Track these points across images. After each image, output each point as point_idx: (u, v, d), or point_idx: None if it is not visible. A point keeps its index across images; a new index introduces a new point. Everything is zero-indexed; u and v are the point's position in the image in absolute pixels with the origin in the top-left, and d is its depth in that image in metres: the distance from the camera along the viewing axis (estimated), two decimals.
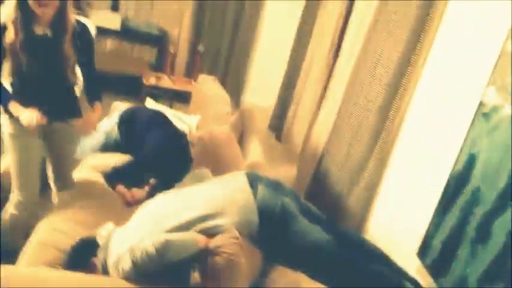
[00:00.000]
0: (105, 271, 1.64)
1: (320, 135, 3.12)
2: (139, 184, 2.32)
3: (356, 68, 2.63)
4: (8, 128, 2.01)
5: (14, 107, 1.92)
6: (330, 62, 3.48)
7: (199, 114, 2.99)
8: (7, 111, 1.96)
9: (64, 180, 2.30)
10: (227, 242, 1.53)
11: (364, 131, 2.35)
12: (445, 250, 1.60)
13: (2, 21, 1.85)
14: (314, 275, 1.61)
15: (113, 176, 2.34)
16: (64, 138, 2.20)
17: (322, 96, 3.41)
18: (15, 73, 1.91)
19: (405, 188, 2.02)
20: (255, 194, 1.71)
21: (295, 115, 4.01)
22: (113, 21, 4.44)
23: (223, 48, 4.84)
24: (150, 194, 2.14)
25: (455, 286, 1.50)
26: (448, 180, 1.66)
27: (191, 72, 4.59)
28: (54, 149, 2.19)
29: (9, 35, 1.84)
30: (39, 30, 1.91)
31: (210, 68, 4.75)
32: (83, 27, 2.05)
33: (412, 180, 1.97)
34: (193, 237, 1.59)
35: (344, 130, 2.59)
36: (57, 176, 2.28)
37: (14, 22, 1.83)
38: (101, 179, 2.39)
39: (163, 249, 1.51)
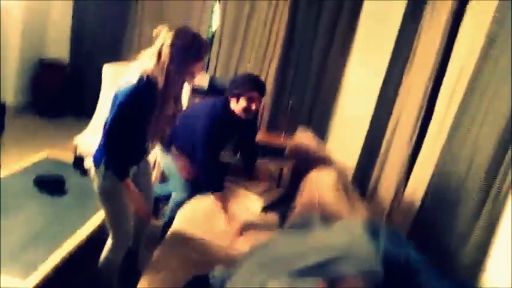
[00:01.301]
0: None
1: (416, 190, 2.98)
2: None
3: (459, 115, 2.52)
4: (106, 184, 2.07)
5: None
6: (419, 117, 3.39)
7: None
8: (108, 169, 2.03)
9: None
10: None
11: (474, 177, 2.18)
12: None
13: None
14: None
15: None
16: (147, 183, 2.39)
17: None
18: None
19: None
20: (377, 244, 1.62)
21: (383, 171, 3.89)
22: (202, 80, 4.66)
23: (305, 105, 4.87)
24: None
25: None
26: None
27: (281, 127, 4.61)
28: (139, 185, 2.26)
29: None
30: None
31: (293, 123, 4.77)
32: None
33: None
34: (314, 283, 1.53)
35: (448, 179, 2.45)
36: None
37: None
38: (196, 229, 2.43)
39: None
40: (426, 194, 2.84)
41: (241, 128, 2.87)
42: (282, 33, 4.83)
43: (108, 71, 3.94)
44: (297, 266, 1.59)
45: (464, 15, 2.95)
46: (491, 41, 2.42)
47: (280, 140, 4.30)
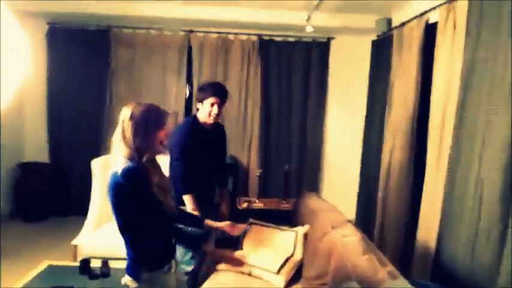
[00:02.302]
0: None
1: (428, 231, 2.98)
2: None
3: (455, 148, 2.60)
4: None
5: None
6: (411, 157, 3.47)
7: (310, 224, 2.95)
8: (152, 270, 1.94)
9: None
10: None
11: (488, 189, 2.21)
12: None
13: None
14: None
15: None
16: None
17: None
18: None
19: None
20: None
21: (385, 218, 3.90)
22: None
23: (294, 168, 4.96)
24: None
25: None
26: None
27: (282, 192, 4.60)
28: None
29: None
30: None
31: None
32: None
33: None
34: None
35: (460, 214, 2.47)
36: None
37: None
38: None
39: None
40: (439, 234, 2.83)
41: (211, 138, 3.02)
42: (258, 101, 5.00)
43: (97, 164, 3.90)
44: None
45: (436, 46, 3.10)
46: (469, 68, 2.55)
47: (280, 205, 4.27)
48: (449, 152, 2.74)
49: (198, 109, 2.99)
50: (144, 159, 1.91)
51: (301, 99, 5.00)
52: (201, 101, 2.93)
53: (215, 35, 5.06)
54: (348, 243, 2.22)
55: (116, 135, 1.95)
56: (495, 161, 2.24)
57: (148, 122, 1.92)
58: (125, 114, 1.94)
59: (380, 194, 4.01)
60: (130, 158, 1.87)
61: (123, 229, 1.92)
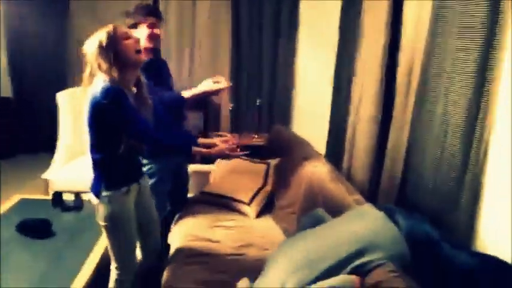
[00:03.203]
0: None
1: (394, 165, 3.06)
2: None
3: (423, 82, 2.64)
4: (113, 209, 2.03)
5: None
6: (381, 93, 3.49)
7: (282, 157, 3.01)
8: (109, 189, 2.01)
9: (157, 252, 2.36)
10: (388, 277, 1.46)
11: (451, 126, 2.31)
12: None
13: None
14: None
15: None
16: (150, 200, 2.29)
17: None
18: None
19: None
20: (397, 226, 1.66)
21: (353, 153, 3.98)
22: None
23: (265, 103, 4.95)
24: None
25: None
26: None
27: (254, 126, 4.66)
28: (143, 216, 2.23)
29: None
30: None
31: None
32: None
33: None
34: (349, 279, 1.53)
35: (429, 133, 2.55)
36: (148, 248, 2.32)
37: None
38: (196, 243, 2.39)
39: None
40: (405, 166, 2.92)
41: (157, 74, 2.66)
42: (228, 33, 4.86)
43: (64, 97, 3.80)
44: (327, 264, 1.59)
45: None
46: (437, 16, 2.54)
47: (252, 139, 4.31)
48: (417, 84, 2.77)
49: None
50: (127, 77, 1.95)
51: (272, 35, 4.91)
52: (134, 26, 2.55)
53: None
54: (317, 173, 2.31)
55: (87, 69, 1.94)
56: (460, 97, 2.30)
57: (111, 43, 1.90)
58: (88, 46, 1.93)
59: (349, 132, 4.05)
60: (110, 81, 1.89)
61: (95, 149, 1.99)
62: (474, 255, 1.65)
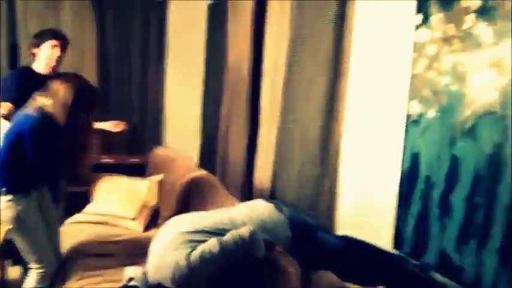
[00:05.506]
0: None
1: (265, 165, 3.37)
2: None
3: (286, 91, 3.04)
4: (14, 211, 2.07)
5: None
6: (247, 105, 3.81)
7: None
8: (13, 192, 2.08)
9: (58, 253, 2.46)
10: (276, 255, 1.76)
11: (310, 143, 2.73)
12: (418, 234, 1.98)
13: None
14: (344, 276, 1.96)
15: None
16: (51, 205, 2.43)
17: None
18: None
19: (365, 193, 2.40)
20: (282, 213, 1.97)
21: (227, 158, 4.23)
22: None
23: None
24: None
25: (436, 260, 1.86)
26: (401, 178, 2.09)
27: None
28: (47, 221, 2.31)
29: None
30: None
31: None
32: None
33: (369, 186, 2.36)
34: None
35: (290, 148, 2.94)
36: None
37: None
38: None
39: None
40: (273, 175, 3.28)
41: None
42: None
43: None
44: (222, 227, 1.80)
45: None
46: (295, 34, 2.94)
47: (129, 159, 4.35)
48: (280, 103, 3.13)
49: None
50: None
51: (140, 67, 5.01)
52: (37, 45, 2.73)
53: None
54: (207, 178, 2.59)
55: None
56: (316, 114, 2.73)
57: None
58: None
59: (220, 148, 4.28)
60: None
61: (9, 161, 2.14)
62: (341, 238, 2.09)
